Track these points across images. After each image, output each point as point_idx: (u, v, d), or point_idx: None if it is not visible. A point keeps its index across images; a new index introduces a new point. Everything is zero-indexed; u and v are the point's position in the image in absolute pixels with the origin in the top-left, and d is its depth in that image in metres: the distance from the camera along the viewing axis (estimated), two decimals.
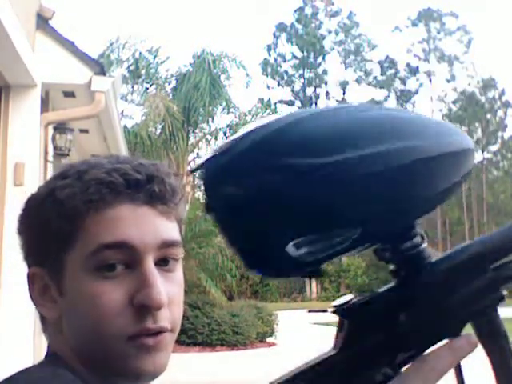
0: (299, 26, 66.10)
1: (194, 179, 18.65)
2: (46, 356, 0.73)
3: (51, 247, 0.70)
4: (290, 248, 0.56)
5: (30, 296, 0.73)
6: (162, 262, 0.70)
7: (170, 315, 0.69)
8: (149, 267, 0.68)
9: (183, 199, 0.74)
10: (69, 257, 0.69)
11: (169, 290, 0.69)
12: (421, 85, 70.26)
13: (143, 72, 18.85)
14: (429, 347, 0.69)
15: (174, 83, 18.22)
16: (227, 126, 17.22)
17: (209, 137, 17.52)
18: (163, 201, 0.70)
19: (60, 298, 0.70)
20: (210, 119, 17.88)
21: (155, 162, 0.72)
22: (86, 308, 0.68)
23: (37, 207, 0.71)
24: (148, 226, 0.68)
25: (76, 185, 0.68)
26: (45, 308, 0.72)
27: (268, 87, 67.21)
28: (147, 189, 0.68)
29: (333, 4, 66.84)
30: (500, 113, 70.44)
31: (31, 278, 0.72)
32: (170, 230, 0.71)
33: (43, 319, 0.74)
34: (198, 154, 18.01)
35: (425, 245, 0.66)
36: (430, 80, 70.39)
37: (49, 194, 0.70)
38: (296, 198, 0.54)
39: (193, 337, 14.50)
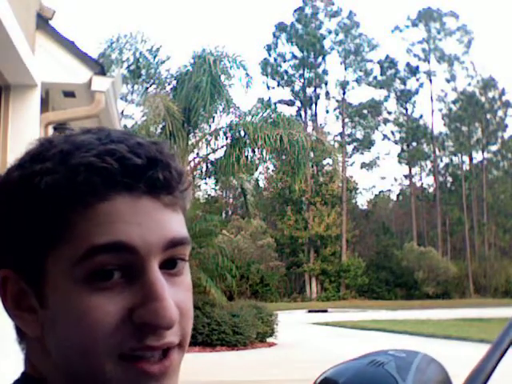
0: (299, 26, 66.12)
1: (193, 178, 18.65)
2: (20, 378, 0.60)
3: (27, 248, 0.55)
4: None
5: (3, 304, 0.58)
6: (169, 265, 0.57)
7: (179, 328, 0.56)
8: (154, 274, 0.55)
9: (190, 186, 0.61)
10: (50, 261, 0.55)
11: (177, 298, 0.56)
12: (421, 85, 70.32)
13: (143, 72, 18.86)
14: None
15: (174, 83, 18.24)
16: (227, 126, 17.22)
17: (209, 137, 17.52)
18: (169, 190, 0.56)
19: (41, 309, 0.56)
20: (210, 119, 17.90)
21: (156, 141, 0.59)
22: (74, 325, 0.54)
23: (7, 196, 0.56)
24: (151, 223, 0.55)
25: (59, 171, 0.54)
26: (21, 320, 0.57)
27: (268, 87, 67.30)
28: (149, 176, 0.55)
29: (333, 4, 66.84)
30: (500, 113, 70.45)
31: (2, 282, 0.57)
32: (177, 224, 0.57)
33: (19, 331, 0.60)
34: (197, 153, 18.03)
35: None
36: (430, 80, 70.42)
37: (23, 180, 0.55)
38: None
39: (193, 337, 14.49)
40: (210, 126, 18.14)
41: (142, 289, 0.54)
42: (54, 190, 0.53)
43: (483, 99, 69.39)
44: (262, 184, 62.11)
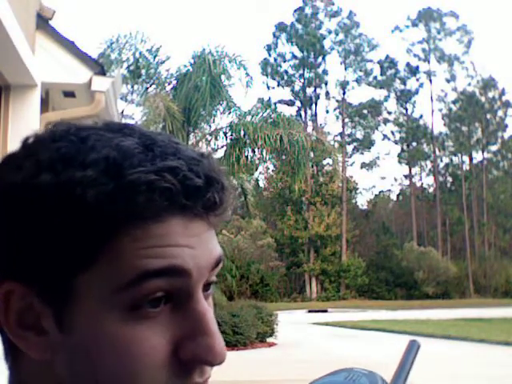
0: (299, 26, 66.13)
1: None
2: None
3: (52, 262, 0.48)
4: None
5: (1, 320, 0.50)
6: (205, 287, 0.53)
7: None
8: (202, 303, 0.50)
9: (234, 202, 0.55)
10: (83, 282, 0.48)
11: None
12: (421, 85, 70.33)
13: (143, 72, 18.84)
14: None
15: (174, 83, 18.24)
16: (227, 126, 17.21)
17: (209, 137, 17.52)
18: (218, 211, 0.52)
19: (59, 332, 0.49)
20: (210, 119, 17.90)
21: (204, 153, 0.53)
22: (113, 358, 0.47)
23: (33, 198, 0.48)
24: (202, 245, 0.51)
25: (109, 185, 0.47)
26: (25, 341, 0.50)
27: (268, 87, 67.32)
28: (207, 198, 0.50)
29: (333, 4, 66.86)
30: (500, 113, 70.47)
31: (4, 297, 0.49)
32: (217, 243, 0.54)
33: (11, 349, 0.52)
34: None
35: None
36: (430, 80, 70.43)
37: (60, 187, 0.47)
38: None
39: None
40: (209, 126, 18.15)
41: (190, 320, 0.50)
42: (102, 206, 0.46)
43: (483, 99, 69.41)
44: (262, 184, 62.14)
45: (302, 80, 66.96)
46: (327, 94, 68.21)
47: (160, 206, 0.47)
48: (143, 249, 0.47)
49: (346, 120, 68.03)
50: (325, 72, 67.00)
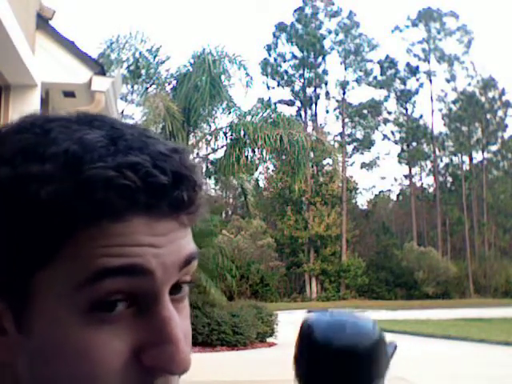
0: (299, 26, 66.13)
1: None
2: None
3: (11, 262, 0.46)
4: None
5: None
6: (175, 290, 0.50)
7: None
8: (168, 308, 0.48)
9: (206, 200, 0.52)
10: (41, 281, 0.45)
11: (183, 328, 0.50)
12: (421, 85, 70.33)
13: (143, 72, 18.83)
14: None
15: (173, 83, 18.24)
16: (227, 126, 17.21)
17: (209, 137, 17.52)
18: (190, 210, 0.49)
19: (18, 334, 0.47)
20: (210, 119, 17.90)
21: (177, 148, 0.50)
22: (70, 362, 0.45)
23: None
24: (169, 245, 0.48)
25: (65, 180, 0.44)
26: (11, 352, 0.47)
27: (268, 87, 67.32)
28: (174, 197, 0.47)
29: (333, 4, 66.85)
30: (500, 113, 70.47)
31: None
32: (190, 241, 0.51)
33: None
34: (197, 153, 18.02)
35: None
36: (430, 80, 70.43)
37: (16, 182, 0.45)
38: None
39: (193, 337, 14.27)
40: (209, 126, 18.15)
41: (154, 325, 0.47)
42: (58, 204, 0.44)
43: (483, 99, 69.41)
44: (262, 184, 62.12)
45: (302, 80, 66.96)
46: (327, 94, 68.23)
47: (119, 205, 0.45)
48: (101, 247, 0.45)
49: (346, 120, 68.02)
50: (325, 72, 67.01)
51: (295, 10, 66.64)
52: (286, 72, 66.92)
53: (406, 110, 70.74)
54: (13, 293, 0.46)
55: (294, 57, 66.77)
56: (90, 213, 0.44)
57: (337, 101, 68.38)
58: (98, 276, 0.44)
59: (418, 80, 70.32)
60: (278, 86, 67.24)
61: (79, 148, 0.45)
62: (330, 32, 66.90)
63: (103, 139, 0.46)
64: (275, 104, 51.24)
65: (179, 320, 0.48)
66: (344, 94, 67.53)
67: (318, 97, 67.74)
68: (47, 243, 0.45)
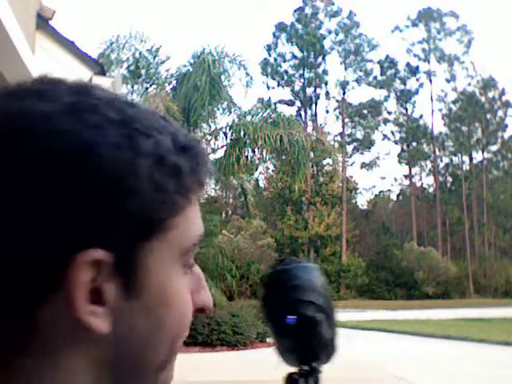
0: (299, 26, 66.12)
1: None
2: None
3: (134, 226, 0.48)
4: None
5: (69, 298, 0.46)
6: None
7: None
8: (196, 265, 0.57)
9: None
10: (151, 248, 0.49)
11: None
12: (421, 85, 70.32)
13: (143, 72, 18.84)
14: None
15: (173, 83, 18.25)
16: (227, 126, 17.21)
17: (209, 137, 17.51)
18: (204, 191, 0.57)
19: (123, 300, 0.49)
20: (210, 119, 17.90)
21: (195, 138, 0.56)
22: (174, 308, 0.51)
23: (131, 164, 0.47)
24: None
25: (185, 156, 0.51)
26: (95, 317, 0.47)
27: (268, 87, 67.31)
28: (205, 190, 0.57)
29: (333, 4, 66.84)
30: (500, 113, 70.46)
31: (91, 267, 0.46)
32: None
33: (61, 336, 0.47)
34: None
35: None
36: (430, 80, 70.42)
37: (150, 150, 0.49)
38: None
39: (193, 337, 14.49)
40: (209, 126, 18.15)
41: (195, 278, 0.55)
42: (186, 175, 0.51)
43: (483, 99, 69.39)
44: (262, 184, 62.12)
45: (302, 80, 66.96)
46: (327, 94, 68.23)
47: (203, 181, 0.54)
48: (197, 219, 0.54)
49: (346, 120, 68.03)
50: (325, 72, 67.01)
51: (295, 10, 66.68)
52: (286, 72, 66.93)
53: (406, 110, 70.77)
54: (130, 260, 0.48)
55: (294, 57, 66.79)
56: (199, 184, 0.53)
57: (337, 101, 68.41)
58: (198, 241, 0.54)
59: (417, 80, 70.36)
60: (278, 86, 67.26)
61: (178, 132, 0.53)
62: (330, 32, 66.92)
63: (178, 130, 0.54)
64: (275, 104, 51.22)
65: None
66: (344, 94, 67.55)
67: (318, 97, 67.75)
68: (172, 211, 0.50)
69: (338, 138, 66.84)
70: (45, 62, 6.44)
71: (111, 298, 0.48)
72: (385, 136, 70.34)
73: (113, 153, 0.46)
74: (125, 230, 0.47)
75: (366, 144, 68.83)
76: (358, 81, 68.14)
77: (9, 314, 0.45)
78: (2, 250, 0.44)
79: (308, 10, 66.59)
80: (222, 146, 17.15)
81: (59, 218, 0.44)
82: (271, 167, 54.51)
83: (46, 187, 0.44)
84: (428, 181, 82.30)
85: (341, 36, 66.66)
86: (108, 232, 0.46)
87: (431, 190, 71.86)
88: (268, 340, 16.36)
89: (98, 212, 0.46)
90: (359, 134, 69.33)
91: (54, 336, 0.46)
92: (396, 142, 70.89)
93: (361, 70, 68.05)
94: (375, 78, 69.18)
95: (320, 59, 66.53)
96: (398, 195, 74.83)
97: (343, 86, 67.24)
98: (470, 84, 70.52)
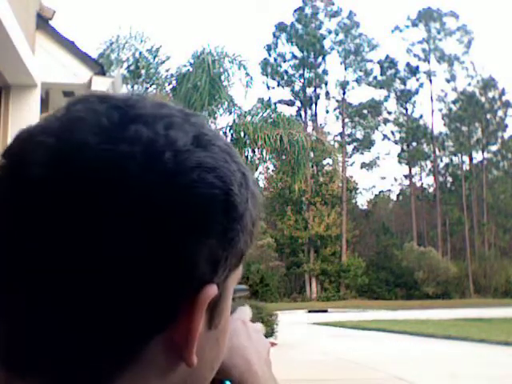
0: (299, 26, 66.14)
1: None
2: None
3: (234, 262, 0.48)
4: None
5: (188, 335, 0.45)
6: None
7: None
8: None
9: None
10: (232, 276, 0.49)
11: None
12: (421, 85, 70.34)
13: (143, 72, 18.83)
14: None
15: (173, 83, 18.24)
16: (227, 126, 17.21)
17: None
18: None
19: (207, 331, 0.48)
20: (210, 119, 17.89)
21: None
22: (224, 344, 0.52)
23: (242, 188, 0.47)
24: None
25: (253, 190, 0.50)
26: (201, 348, 0.48)
27: (268, 87, 67.32)
28: None
29: (333, 4, 66.86)
30: (500, 113, 70.47)
31: (204, 303, 0.45)
32: None
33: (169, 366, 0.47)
34: None
35: None
36: (430, 80, 70.43)
37: (251, 186, 0.49)
38: None
39: None
40: (209, 126, 18.14)
41: None
42: (259, 206, 0.50)
43: (483, 99, 69.41)
44: (262, 184, 62.11)
45: (302, 80, 66.97)
46: (327, 94, 68.24)
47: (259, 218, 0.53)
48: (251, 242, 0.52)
49: (346, 120, 68.05)
50: (325, 72, 67.02)
51: (295, 10, 66.69)
52: (286, 72, 66.94)
53: (406, 110, 70.78)
54: (218, 295, 0.47)
55: (294, 57, 66.81)
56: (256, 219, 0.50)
57: (337, 101, 68.41)
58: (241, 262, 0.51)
59: (417, 80, 70.38)
60: (278, 86, 67.28)
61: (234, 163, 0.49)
62: (329, 32, 66.94)
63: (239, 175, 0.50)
64: (275, 104, 51.19)
65: None
66: (344, 94, 67.57)
67: (317, 97, 67.76)
68: (249, 243, 0.49)
69: (338, 138, 66.87)
70: (45, 61, 6.44)
71: (202, 327, 0.47)
72: (385, 136, 70.39)
73: (240, 194, 0.46)
74: (231, 266, 0.47)
75: (366, 144, 68.85)
76: (357, 81, 68.19)
77: (118, 340, 0.44)
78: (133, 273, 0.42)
79: (308, 10, 66.63)
80: None
81: (199, 252, 0.44)
82: (271, 167, 54.56)
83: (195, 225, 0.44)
84: (428, 181, 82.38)
85: (341, 36, 66.71)
86: (226, 268, 0.47)
87: (431, 189, 71.90)
88: (268, 340, 16.34)
89: (225, 249, 0.46)
90: (359, 134, 69.39)
91: (149, 367, 0.45)
92: (396, 142, 70.91)
93: (361, 70, 68.09)
94: (375, 78, 69.21)
95: (320, 59, 66.56)
96: (397, 195, 74.87)
97: (343, 86, 67.26)
98: (470, 84, 70.60)
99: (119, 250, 0.41)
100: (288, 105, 66.47)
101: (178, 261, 0.43)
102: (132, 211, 0.41)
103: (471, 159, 70.31)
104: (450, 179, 72.05)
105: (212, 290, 0.45)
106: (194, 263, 0.44)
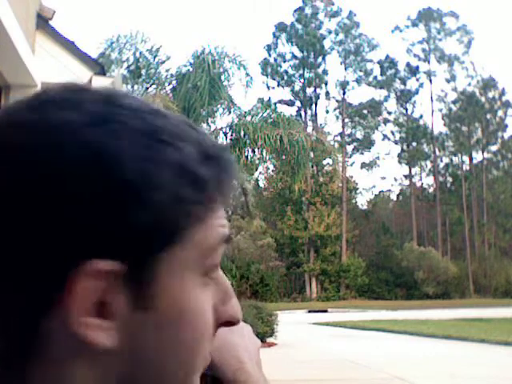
0: (299, 26, 66.16)
1: None
2: None
3: (148, 234, 0.45)
4: None
5: (67, 311, 0.44)
6: None
7: None
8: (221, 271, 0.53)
9: None
10: (168, 256, 0.46)
11: None
12: (421, 85, 70.37)
13: (143, 72, 18.83)
14: None
15: (173, 83, 18.24)
16: (227, 126, 17.20)
17: None
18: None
19: (133, 313, 0.45)
20: (210, 119, 17.90)
21: (223, 147, 0.52)
22: (191, 325, 0.47)
23: (150, 168, 0.45)
24: None
25: (209, 165, 0.49)
26: (97, 330, 0.44)
27: (268, 87, 67.35)
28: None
29: (333, 4, 66.87)
30: (500, 113, 70.49)
31: (89, 279, 0.43)
32: None
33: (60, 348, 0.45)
34: None
35: None
36: (430, 80, 70.46)
37: (172, 160, 0.46)
38: None
39: None
40: (209, 126, 18.14)
41: (221, 286, 0.51)
42: (210, 181, 0.48)
43: (483, 99, 69.43)
44: (262, 184, 62.14)
45: (302, 80, 66.99)
46: (327, 94, 68.26)
47: (227, 194, 0.50)
48: (220, 218, 0.50)
49: (346, 120, 68.06)
50: (325, 72, 67.04)
51: (295, 10, 66.72)
52: (286, 72, 66.97)
53: (406, 110, 70.81)
54: (142, 270, 0.45)
55: (294, 57, 66.84)
56: (220, 200, 0.49)
57: (337, 101, 68.44)
58: (221, 243, 0.49)
59: (417, 80, 70.43)
60: (278, 86, 67.32)
61: (204, 139, 0.50)
62: (329, 32, 66.97)
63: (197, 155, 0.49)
64: (275, 104, 51.18)
65: None
66: (344, 94, 67.60)
67: (317, 97, 67.79)
68: (180, 218, 0.46)
69: (338, 138, 66.91)
70: (45, 62, 6.44)
71: (119, 311, 0.45)
72: (385, 136, 70.42)
73: (135, 165, 0.44)
74: (138, 242, 0.45)
75: (366, 144, 68.87)
76: (357, 81, 68.22)
77: (14, 320, 0.44)
78: (13, 251, 0.43)
79: (308, 10, 66.65)
80: None
81: (70, 224, 0.43)
82: (271, 167, 54.57)
83: (63, 195, 0.43)
84: (428, 181, 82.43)
85: (341, 36, 66.74)
86: (120, 243, 0.44)
87: (431, 190, 71.91)
88: (268, 340, 16.36)
89: (109, 223, 0.44)
90: (359, 134, 69.41)
91: (58, 347, 0.45)
92: (396, 142, 70.94)
93: (361, 70, 68.12)
94: (375, 78, 69.26)
95: (320, 59, 66.58)
96: (397, 195, 74.88)
97: (343, 86, 67.28)
98: (470, 84, 70.64)
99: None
100: (288, 105, 66.52)
101: (57, 230, 0.42)
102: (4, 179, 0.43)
103: (471, 159, 70.35)
104: (449, 179, 72.08)
105: (97, 265, 0.43)
106: (71, 233, 0.43)
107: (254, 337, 0.70)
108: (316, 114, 68.62)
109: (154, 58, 18.66)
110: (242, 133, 16.48)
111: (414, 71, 70.06)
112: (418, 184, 72.28)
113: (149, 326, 0.46)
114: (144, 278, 0.45)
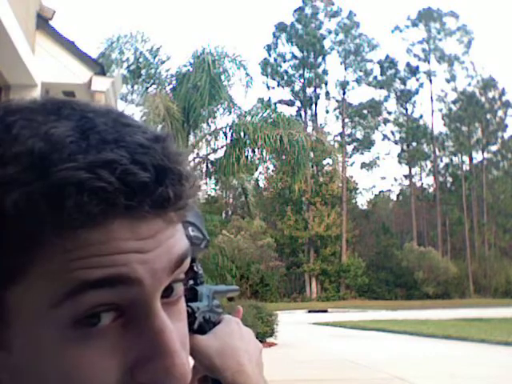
0: (299, 26, 66.15)
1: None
2: None
3: None
4: None
5: None
6: (166, 292, 0.45)
7: None
8: (161, 318, 0.43)
9: (198, 190, 0.46)
10: (14, 296, 0.41)
11: (180, 334, 0.45)
12: (421, 85, 70.35)
13: (143, 72, 18.83)
14: None
15: (174, 83, 18.24)
16: (227, 126, 17.21)
17: (209, 137, 17.52)
18: (178, 205, 0.43)
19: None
20: (210, 119, 17.90)
21: (158, 135, 0.44)
22: (56, 382, 0.41)
23: None
24: (157, 247, 0.43)
25: (32, 186, 0.39)
26: None
27: (268, 87, 67.34)
28: (158, 194, 0.41)
29: (333, 4, 66.86)
30: (500, 113, 70.49)
31: None
32: (180, 237, 0.46)
33: None
34: (197, 153, 18.04)
35: None
36: (430, 80, 70.44)
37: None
38: None
39: None
40: (209, 126, 18.14)
41: (146, 337, 0.42)
42: (24, 213, 0.39)
43: (483, 99, 69.43)
44: (262, 184, 62.13)
45: (302, 80, 66.99)
46: (327, 94, 68.25)
47: (94, 210, 0.39)
48: (78, 259, 0.40)
49: (346, 120, 68.05)
50: (325, 72, 67.04)
51: (295, 10, 66.71)
52: (286, 72, 66.96)
53: (406, 110, 70.79)
54: None
55: (294, 57, 66.83)
56: (62, 222, 0.39)
57: (337, 101, 68.42)
58: (77, 290, 0.40)
59: (417, 80, 70.41)
60: (278, 86, 67.29)
61: (46, 146, 0.39)
62: (329, 32, 66.96)
63: (73, 132, 0.40)
64: (275, 104, 51.28)
65: (174, 326, 0.44)
66: (344, 94, 67.58)
67: (317, 97, 67.78)
68: (14, 257, 0.40)
69: (338, 138, 66.89)
70: (45, 61, 6.44)
71: None
72: (385, 136, 70.39)
73: None
74: None
75: (366, 144, 68.86)
76: (357, 81, 68.20)
77: None
78: None
79: (308, 10, 66.64)
80: (222, 146, 17.15)
81: None
82: (271, 167, 54.59)
83: None
84: (428, 181, 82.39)
85: (341, 36, 66.73)
86: None
87: (431, 190, 71.91)
88: (268, 340, 16.37)
89: None
90: (359, 134, 69.39)
91: None
92: (396, 142, 70.92)
93: (361, 70, 68.10)
94: (375, 78, 69.24)
95: (320, 59, 66.58)
96: (397, 195, 74.87)
97: (343, 86, 67.27)
98: (470, 84, 70.64)
99: None
100: (288, 105, 66.50)
101: None
102: None
103: (471, 159, 70.35)
104: (449, 179, 72.08)
105: None
106: None
107: (255, 340, 0.69)
108: (316, 114, 68.64)
109: (154, 57, 18.66)
110: (242, 133, 16.48)
111: (414, 71, 70.06)
112: (418, 184, 72.31)
113: (7, 368, 0.42)
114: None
